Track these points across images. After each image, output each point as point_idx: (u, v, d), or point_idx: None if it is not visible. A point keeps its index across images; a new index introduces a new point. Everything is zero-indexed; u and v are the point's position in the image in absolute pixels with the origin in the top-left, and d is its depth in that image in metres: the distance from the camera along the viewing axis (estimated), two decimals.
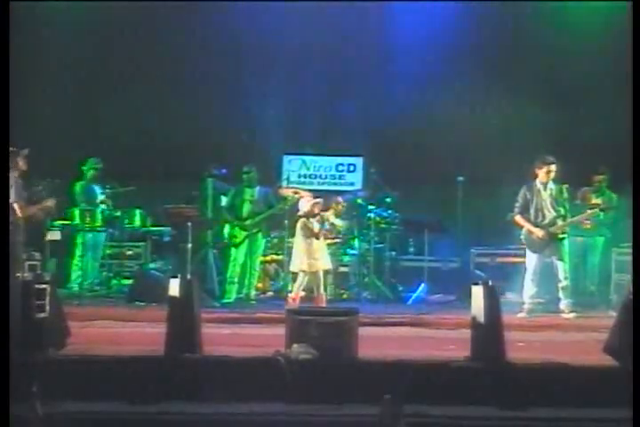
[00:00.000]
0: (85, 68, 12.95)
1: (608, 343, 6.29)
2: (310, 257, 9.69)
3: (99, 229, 11.10)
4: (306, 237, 9.74)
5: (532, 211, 9.79)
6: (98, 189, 11.30)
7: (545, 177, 9.73)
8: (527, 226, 9.77)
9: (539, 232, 9.66)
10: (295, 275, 10.10)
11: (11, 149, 9.37)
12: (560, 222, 9.70)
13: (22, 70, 12.21)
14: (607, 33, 12.16)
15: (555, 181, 9.82)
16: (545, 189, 9.74)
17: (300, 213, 9.90)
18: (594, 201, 10.41)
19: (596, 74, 12.41)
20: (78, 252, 11.16)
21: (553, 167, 9.72)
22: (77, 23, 12.75)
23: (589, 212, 9.94)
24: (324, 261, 9.85)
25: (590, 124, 12.47)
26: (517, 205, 9.86)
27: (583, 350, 6.92)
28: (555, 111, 12.62)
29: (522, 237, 9.88)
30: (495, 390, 5.94)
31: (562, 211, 9.75)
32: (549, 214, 9.73)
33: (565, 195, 9.84)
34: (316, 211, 9.85)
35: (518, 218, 9.85)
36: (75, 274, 11.25)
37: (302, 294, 9.74)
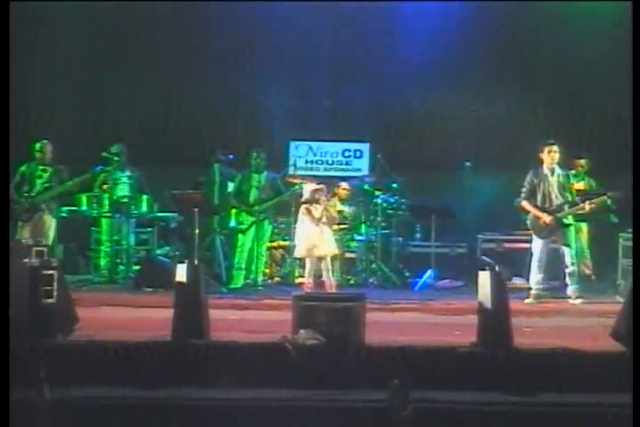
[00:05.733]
0: (94, 56, 12.96)
1: (615, 329, 6.29)
2: (313, 243, 9.71)
3: (105, 214, 11.10)
4: (308, 223, 9.76)
5: (538, 196, 9.75)
6: (115, 174, 11.29)
7: (549, 160, 9.69)
8: (534, 211, 9.74)
9: (545, 218, 9.63)
10: (303, 261, 10.14)
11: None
12: (567, 208, 9.67)
13: (37, 62, 12.37)
14: (608, 28, 12.14)
15: (561, 166, 9.80)
16: (552, 174, 9.71)
17: (303, 199, 9.92)
18: (575, 186, 10.35)
19: (596, 67, 12.40)
20: (96, 237, 11.29)
21: (555, 148, 9.69)
22: (87, 10, 12.76)
23: (598, 199, 9.88)
24: (328, 247, 9.85)
25: (591, 113, 12.46)
26: (524, 190, 9.82)
27: (590, 336, 6.92)
28: (559, 100, 12.61)
29: (528, 222, 9.86)
30: (501, 376, 5.94)
31: (569, 197, 9.72)
32: (556, 200, 9.70)
33: (572, 181, 9.82)
34: (317, 197, 9.86)
35: (524, 203, 9.82)
36: (84, 260, 11.32)
37: (311, 280, 9.77)
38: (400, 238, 11.95)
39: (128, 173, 11.15)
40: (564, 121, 11.90)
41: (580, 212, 9.76)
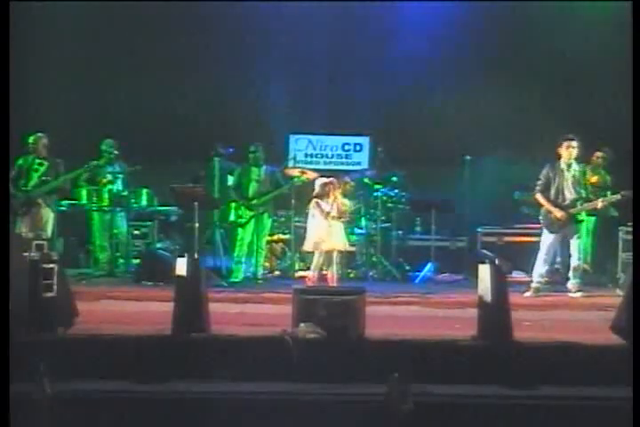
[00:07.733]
0: (95, 51, 12.96)
1: (615, 322, 6.30)
2: (323, 237, 9.71)
3: (105, 208, 11.09)
4: (318, 216, 9.76)
5: (552, 191, 9.71)
6: (105, 169, 11.29)
7: (567, 155, 9.63)
8: (546, 205, 9.71)
9: (557, 213, 9.59)
10: (306, 255, 10.13)
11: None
12: (579, 205, 9.65)
13: (37, 57, 12.36)
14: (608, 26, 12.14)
15: (578, 161, 9.76)
16: (568, 169, 9.65)
17: (314, 193, 9.91)
18: (590, 179, 10.34)
19: (595, 66, 12.41)
20: (90, 231, 11.28)
21: (574, 144, 9.63)
22: (87, 10, 12.75)
23: (612, 196, 9.83)
24: (337, 241, 9.85)
25: (591, 107, 12.45)
26: (539, 183, 9.78)
27: (590, 329, 6.92)
28: (559, 94, 12.61)
29: (540, 216, 9.82)
30: (501, 369, 5.95)
31: (583, 193, 9.69)
32: (570, 196, 9.66)
33: (588, 177, 9.79)
34: (328, 190, 9.85)
35: (539, 196, 9.79)
36: (84, 254, 11.29)
37: (315, 273, 9.78)
38: (400, 232, 11.94)
39: (117, 169, 11.15)
40: (563, 116, 11.87)
41: (591, 208, 9.74)
